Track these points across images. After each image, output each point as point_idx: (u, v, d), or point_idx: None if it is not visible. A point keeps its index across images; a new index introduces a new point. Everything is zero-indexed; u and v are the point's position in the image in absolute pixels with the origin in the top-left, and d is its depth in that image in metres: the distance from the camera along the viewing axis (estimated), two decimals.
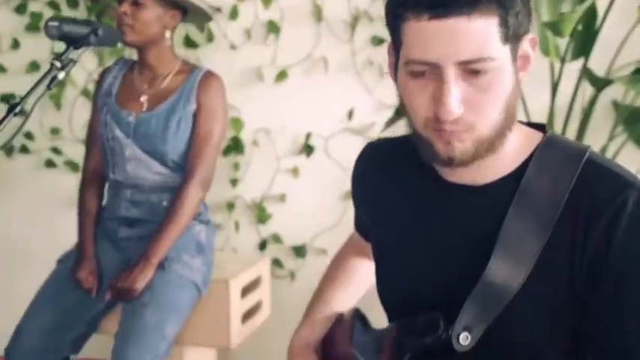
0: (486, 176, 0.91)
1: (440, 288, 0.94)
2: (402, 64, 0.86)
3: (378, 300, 1.09)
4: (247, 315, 2.15)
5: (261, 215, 2.94)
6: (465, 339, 0.87)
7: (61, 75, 1.53)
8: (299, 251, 2.94)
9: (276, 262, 2.91)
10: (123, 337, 1.73)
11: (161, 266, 1.85)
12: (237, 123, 2.88)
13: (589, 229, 0.84)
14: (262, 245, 2.96)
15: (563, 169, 0.87)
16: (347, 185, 2.85)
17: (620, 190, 0.84)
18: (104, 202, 2.06)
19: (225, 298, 1.99)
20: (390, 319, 1.06)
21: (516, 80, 0.87)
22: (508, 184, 0.90)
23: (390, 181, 1.04)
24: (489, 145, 0.86)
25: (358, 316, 1.16)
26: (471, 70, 0.82)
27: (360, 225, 1.19)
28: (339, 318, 1.18)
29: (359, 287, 1.25)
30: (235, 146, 2.90)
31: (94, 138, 2.04)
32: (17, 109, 1.46)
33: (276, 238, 2.96)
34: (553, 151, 0.90)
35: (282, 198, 2.93)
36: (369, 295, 1.26)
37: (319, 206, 2.90)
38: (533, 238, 0.86)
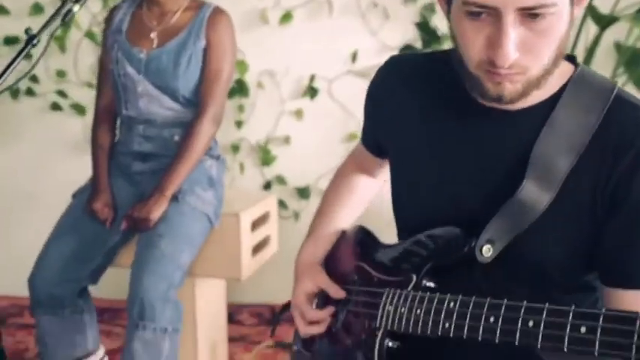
0: (519, 103, 0.93)
1: (463, 205, 0.97)
2: (460, 3, 0.85)
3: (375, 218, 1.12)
4: (256, 249, 2.22)
5: (265, 157, 2.98)
6: (487, 251, 0.91)
7: (76, 8, 1.55)
8: (303, 192, 2.99)
9: (281, 204, 2.96)
10: (139, 266, 1.79)
11: (175, 198, 1.90)
12: (241, 65, 2.89)
13: (616, 162, 0.87)
14: (267, 187, 3.01)
15: (594, 101, 0.90)
16: (350, 127, 2.92)
17: None
18: (117, 137, 2.10)
19: (236, 231, 2.05)
20: (404, 235, 1.09)
21: (572, 18, 0.87)
22: (541, 110, 0.93)
23: (413, 98, 1.05)
24: (538, 84, 0.89)
25: (363, 231, 1.19)
26: (530, 14, 0.82)
27: (369, 139, 1.20)
28: (343, 234, 1.21)
29: (361, 204, 1.28)
30: (240, 88, 2.91)
31: (105, 76, 2.06)
32: (35, 41, 1.49)
33: (281, 180, 3.00)
34: (585, 83, 0.93)
35: (286, 140, 2.97)
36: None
37: (323, 148, 2.94)
38: (561, 163, 0.89)
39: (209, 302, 2.22)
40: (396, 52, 2.75)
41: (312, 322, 1.13)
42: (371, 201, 1.29)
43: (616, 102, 0.90)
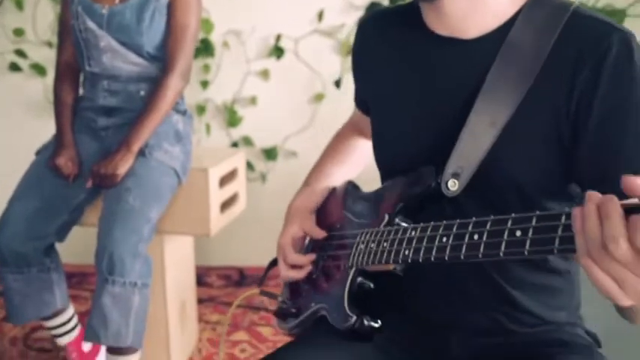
0: (474, 30, 0.95)
1: (430, 140, 0.98)
2: None
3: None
4: (225, 205, 2.21)
5: (232, 118, 2.96)
6: (453, 185, 0.91)
7: None
8: (270, 154, 2.98)
9: (248, 165, 2.95)
10: (108, 220, 1.76)
11: (142, 153, 1.88)
12: (206, 24, 2.85)
13: (576, 74, 0.86)
14: (233, 147, 2.99)
15: (550, 21, 0.90)
16: (317, 87, 2.91)
17: (606, 34, 0.85)
18: (80, 93, 2.06)
19: (204, 186, 2.04)
20: (385, 179, 1.11)
21: None
22: (496, 37, 0.93)
23: (389, 47, 1.07)
24: None
25: (350, 184, 1.21)
26: None
27: (360, 99, 1.22)
28: (333, 190, 1.23)
29: (357, 165, 1.30)
30: (205, 48, 2.87)
31: (66, 31, 2.01)
32: None
33: (247, 141, 2.99)
34: (540, 6, 0.93)
35: (252, 100, 2.95)
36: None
37: (290, 108, 2.93)
38: (516, 87, 0.89)
39: (178, 260, 2.22)
40: (361, 11, 2.74)
41: (294, 266, 1.14)
42: (367, 163, 1.30)
43: (573, 17, 0.89)
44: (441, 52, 0.98)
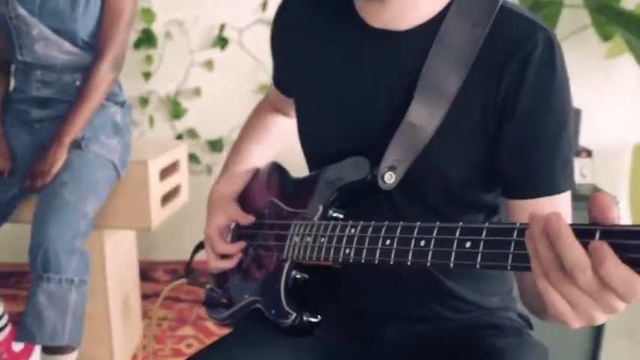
0: (408, 22, 0.93)
1: (364, 132, 0.97)
2: None
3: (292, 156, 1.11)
4: (166, 198, 2.16)
5: (175, 110, 2.90)
6: (389, 178, 0.91)
7: None
8: (215, 145, 2.94)
9: (193, 158, 2.91)
10: (42, 215, 1.70)
11: (78, 146, 1.82)
12: (148, 14, 2.79)
13: (502, 74, 0.87)
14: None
15: (480, 13, 0.90)
16: (262, 77, 2.88)
17: (532, 32, 0.87)
18: (12, 85, 1.98)
19: (144, 179, 1.99)
20: (313, 168, 1.08)
21: None
22: (428, 29, 0.93)
23: (310, 31, 1.04)
24: None
25: (276, 167, 1.18)
26: None
27: (279, 79, 1.19)
28: (256, 172, 1.19)
29: (276, 142, 1.26)
30: (147, 38, 2.81)
31: None
32: None
33: (192, 133, 2.94)
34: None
35: (196, 92, 2.90)
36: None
37: (235, 99, 2.88)
38: (450, 81, 0.89)
39: (119, 256, 2.16)
40: None
41: (223, 255, 1.12)
42: (287, 140, 1.27)
43: (501, 13, 0.90)
44: (376, 44, 0.96)
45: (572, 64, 0.94)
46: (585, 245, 0.59)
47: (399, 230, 0.80)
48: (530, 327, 1.08)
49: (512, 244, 0.66)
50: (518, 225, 0.66)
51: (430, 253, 0.75)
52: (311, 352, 1.04)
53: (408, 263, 0.77)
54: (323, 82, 1.02)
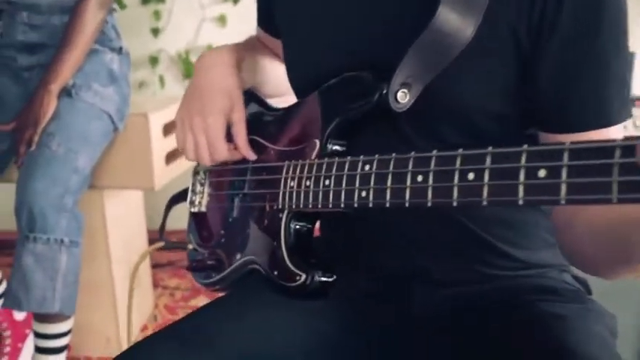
0: None
1: (366, 45, 0.79)
2: None
3: None
4: (171, 156, 1.99)
5: (187, 69, 2.76)
6: (403, 96, 0.73)
7: None
8: None
9: None
10: (27, 169, 1.54)
11: (68, 94, 1.65)
12: None
13: None
14: None
15: None
16: None
17: None
18: None
19: (145, 134, 1.82)
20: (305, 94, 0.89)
21: None
22: None
23: None
24: None
25: (253, 96, 0.98)
26: None
27: (265, 16, 1.01)
28: None
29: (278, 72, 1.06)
30: None
31: None
32: None
33: None
34: None
35: (209, 49, 2.72)
36: None
37: None
38: None
39: (124, 220, 2.01)
40: None
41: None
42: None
43: None
44: None
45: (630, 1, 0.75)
46: None
47: (433, 162, 0.61)
48: (589, 292, 0.88)
49: (523, 173, 0.51)
50: (526, 147, 0.52)
51: (485, 187, 0.55)
52: (323, 317, 0.86)
53: (454, 203, 0.58)
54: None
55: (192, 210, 1.01)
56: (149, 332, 2.12)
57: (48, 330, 1.59)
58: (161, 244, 1.02)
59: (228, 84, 0.92)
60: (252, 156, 0.90)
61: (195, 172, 1.03)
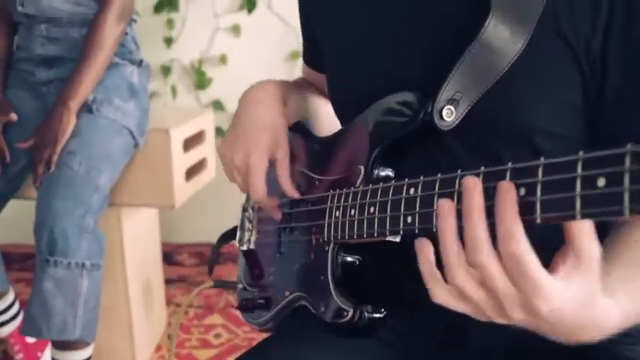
0: None
1: (409, 64, 0.75)
2: None
3: None
4: (191, 172, 1.93)
5: (200, 79, 2.72)
6: (449, 114, 0.68)
7: None
8: None
9: (219, 132, 2.69)
10: (48, 189, 1.48)
11: (88, 110, 1.59)
12: None
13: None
14: None
15: None
16: (293, 43, 2.64)
17: None
18: (16, 42, 1.75)
19: (166, 150, 1.75)
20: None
21: None
22: None
23: None
24: None
25: (300, 128, 0.95)
26: None
27: (312, 52, 0.98)
28: None
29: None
30: (168, 1, 2.65)
31: None
32: None
33: (218, 105, 2.74)
34: None
35: (222, 59, 2.70)
36: None
37: (264, 68, 2.65)
38: (529, 6, 0.67)
39: (140, 237, 1.94)
40: None
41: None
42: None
43: None
44: None
45: None
46: None
47: (481, 178, 0.54)
48: None
49: (579, 183, 0.46)
50: (581, 154, 0.47)
51: (538, 204, 0.49)
52: (370, 354, 0.81)
53: None
54: (356, 20, 0.82)
55: (242, 248, 0.97)
56: (164, 353, 2.05)
57: (67, 358, 1.52)
58: (210, 283, 0.97)
59: (273, 120, 0.89)
60: (295, 194, 0.86)
61: (244, 209, 0.99)
